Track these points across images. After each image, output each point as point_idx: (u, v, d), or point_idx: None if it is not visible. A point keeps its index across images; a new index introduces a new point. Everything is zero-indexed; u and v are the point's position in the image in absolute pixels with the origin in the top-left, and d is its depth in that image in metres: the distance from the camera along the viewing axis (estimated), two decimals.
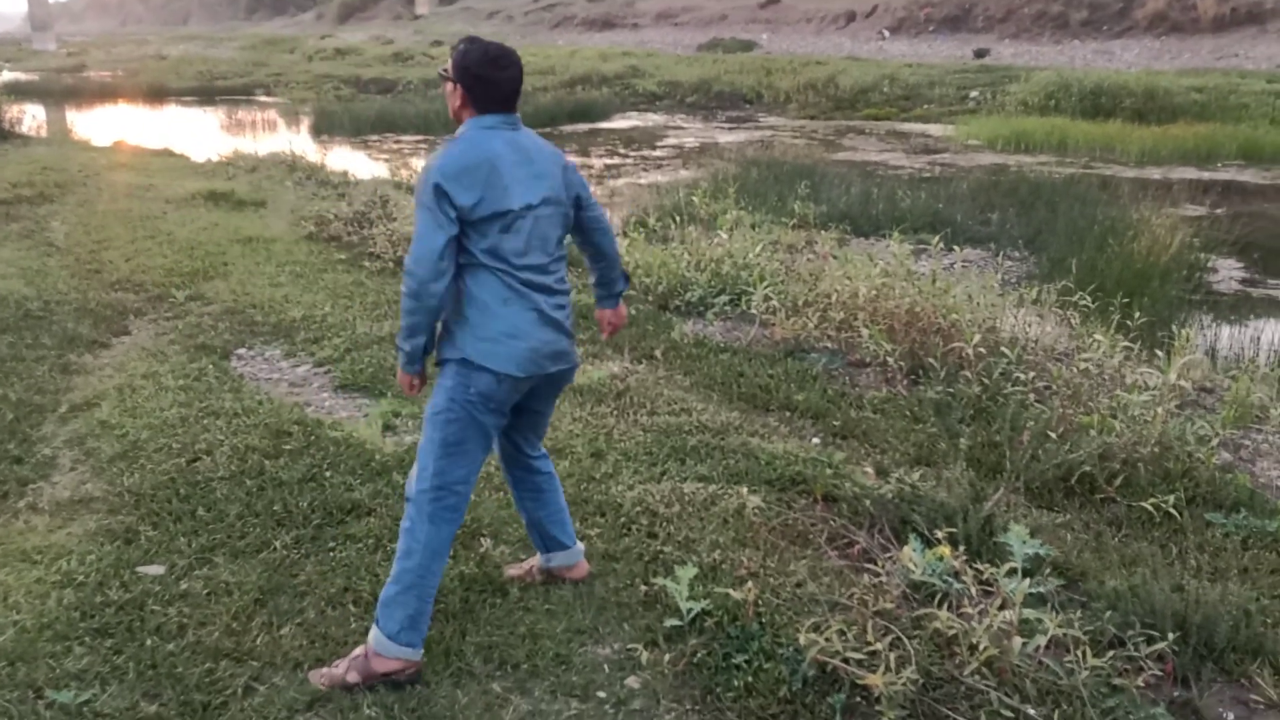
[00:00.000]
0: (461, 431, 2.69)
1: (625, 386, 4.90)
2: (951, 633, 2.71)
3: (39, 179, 10.98)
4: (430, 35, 47.75)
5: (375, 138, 19.22)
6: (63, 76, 33.86)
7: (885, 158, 16.05)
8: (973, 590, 2.82)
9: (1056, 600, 3.01)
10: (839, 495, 3.75)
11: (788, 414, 4.71)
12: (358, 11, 68.79)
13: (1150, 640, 2.74)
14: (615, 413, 4.61)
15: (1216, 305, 7.81)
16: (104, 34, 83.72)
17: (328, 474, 3.92)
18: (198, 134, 19.59)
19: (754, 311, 5.99)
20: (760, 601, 2.97)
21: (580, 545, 3.22)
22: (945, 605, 2.83)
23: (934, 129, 19.99)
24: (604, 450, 4.17)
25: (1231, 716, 2.71)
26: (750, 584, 2.94)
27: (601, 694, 2.72)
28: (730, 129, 21.06)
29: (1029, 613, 2.68)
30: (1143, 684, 2.62)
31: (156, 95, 28.89)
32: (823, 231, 8.57)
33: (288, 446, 4.17)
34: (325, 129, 19.94)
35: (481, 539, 3.46)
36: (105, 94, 29.22)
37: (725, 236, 7.19)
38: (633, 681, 2.77)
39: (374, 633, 2.71)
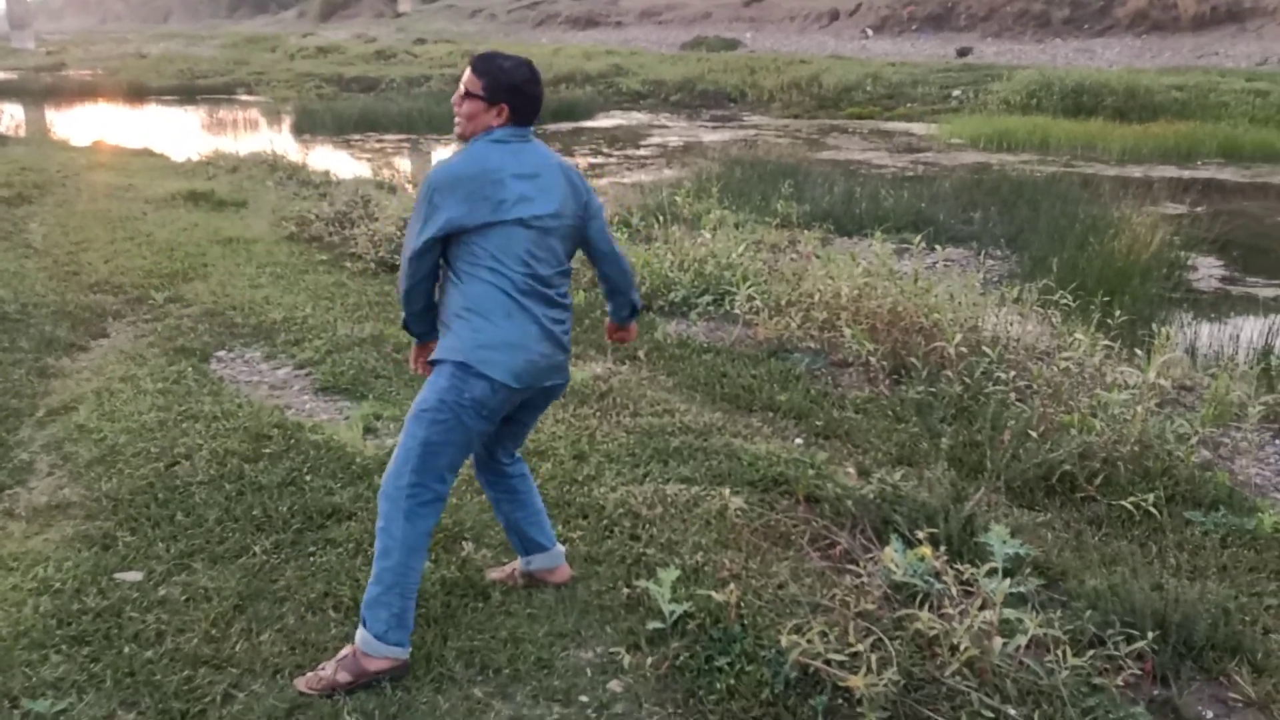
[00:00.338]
0: (446, 434, 2.67)
1: (608, 387, 4.89)
2: (933, 633, 2.71)
3: (17, 179, 10.88)
4: (413, 33, 47.58)
5: (358, 137, 19.14)
6: (41, 75, 33.54)
7: (868, 157, 16.10)
8: (954, 591, 2.82)
9: (1037, 600, 3.02)
10: (821, 496, 3.75)
11: (771, 414, 4.71)
12: (340, 9, 68.47)
13: (1130, 639, 2.75)
14: (598, 414, 4.60)
15: (1196, 303, 7.87)
16: (83, 32, 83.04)
17: (308, 478, 3.90)
18: (178, 133, 19.45)
19: (737, 311, 5.99)
20: (742, 603, 2.97)
21: (561, 547, 3.21)
22: (926, 606, 2.84)
23: (917, 128, 20.06)
24: (587, 452, 4.16)
25: (1210, 715, 2.73)
26: (732, 586, 2.93)
27: (584, 698, 2.71)
28: (714, 128, 21.07)
29: (1009, 613, 2.69)
30: (1122, 683, 2.63)
31: (136, 94, 28.65)
32: (806, 231, 8.58)
33: (268, 450, 4.15)
34: (307, 128, 19.84)
35: (463, 542, 3.45)
36: (85, 93, 28.96)
37: (709, 236, 7.19)
38: (615, 685, 2.76)
39: (361, 634, 2.69)
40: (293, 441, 4.23)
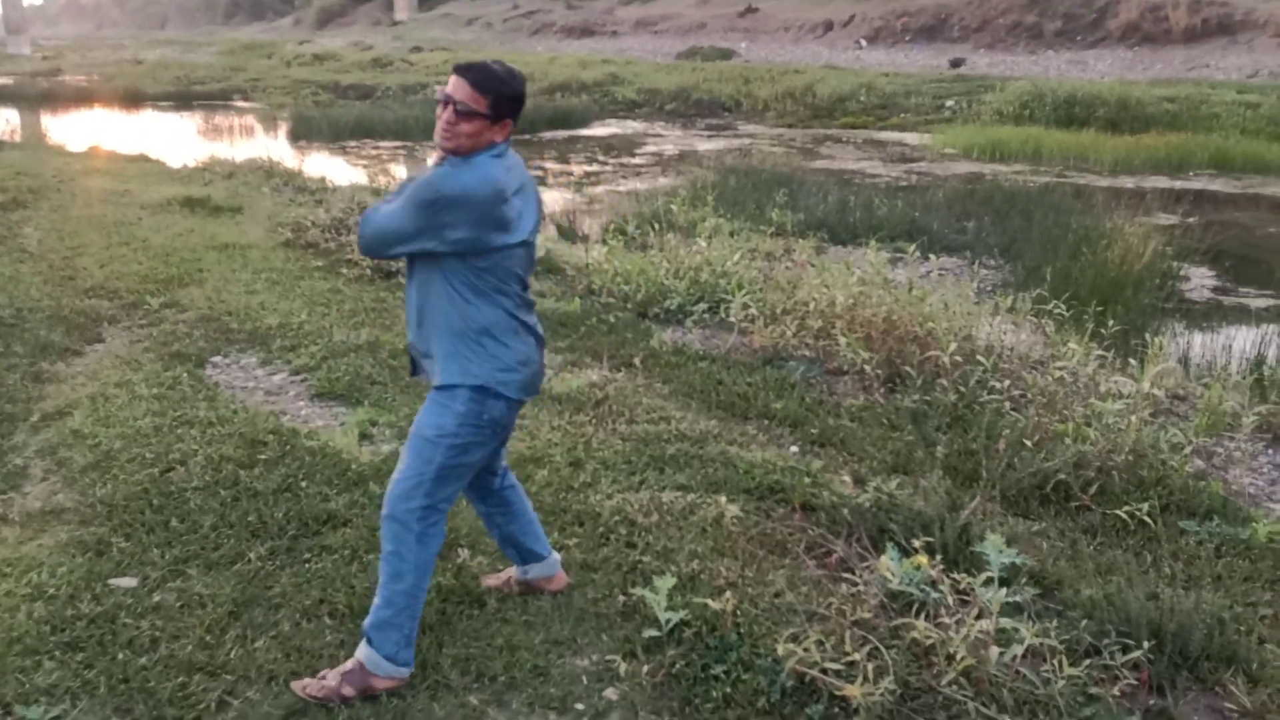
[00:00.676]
0: (463, 456, 2.68)
1: (604, 395, 4.89)
2: (929, 642, 2.72)
3: (12, 184, 10.85)
4: (409, 41, 47.62)
5: (353, 143, 19.13)
6: (37, 80, 33.42)
7: (862, 166, 16.14)
8: (950, 600, 2.83)
9: (1033, 609, 3.03)
10: (817, 504, 3.76)
11: (766, 422, 4.71)
12: (336, 17, 68.50)
13: (1126, 649, 2.76)
14: (594, 421, 4.60)
15: (1189, 313, 7.90)
16: (79, 38, 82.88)
17: (303, 484, 3.89)
18: (174, 139, 19.43)
19: (732, 319, 5.99)
20: (738, 612, 2.97)
21: (557, 555, 3.21)
22: (923, 615, 2.85)
23: (910, 138, 20.13)
24: (582, 459, 4.16)
25: None
26: (728, 594, 2.94)
27: (580, 706, 2.71)
28: (709, 137, 21.12)
29: (1006, 622, 2.70)
30: (1118, 693, 2.64)
31: (133, 100, 28.61)
32: (800, 240, 8.60)
33: (263, 456, 4.14)
34: (303, 134, 19.83)
35: (459, 549, 3.44)
36: (81, 98, 28.91)
37: (704, 244, 7.20)
38: (611, 693, 2.76)
39: (368, 652, 2.68)
40: (288, 447, 4.22)
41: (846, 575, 3.24)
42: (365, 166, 15.54)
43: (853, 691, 2.52)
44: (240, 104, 28.37)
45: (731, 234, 8.28)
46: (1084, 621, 2.97)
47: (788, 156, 16.93)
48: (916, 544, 3.12)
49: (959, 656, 2.63)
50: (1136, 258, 8.05)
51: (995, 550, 2.87)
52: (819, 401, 4.98)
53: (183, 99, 29.30)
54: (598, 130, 22.40)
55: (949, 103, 23.10)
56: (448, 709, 2.67)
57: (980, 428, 4.44)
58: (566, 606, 3.12)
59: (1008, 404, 4.70)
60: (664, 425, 4.54)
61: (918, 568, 2.99)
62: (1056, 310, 5.56)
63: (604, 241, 8.02)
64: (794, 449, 4.43)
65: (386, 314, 6.06)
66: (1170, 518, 3.82)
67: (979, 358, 4.99)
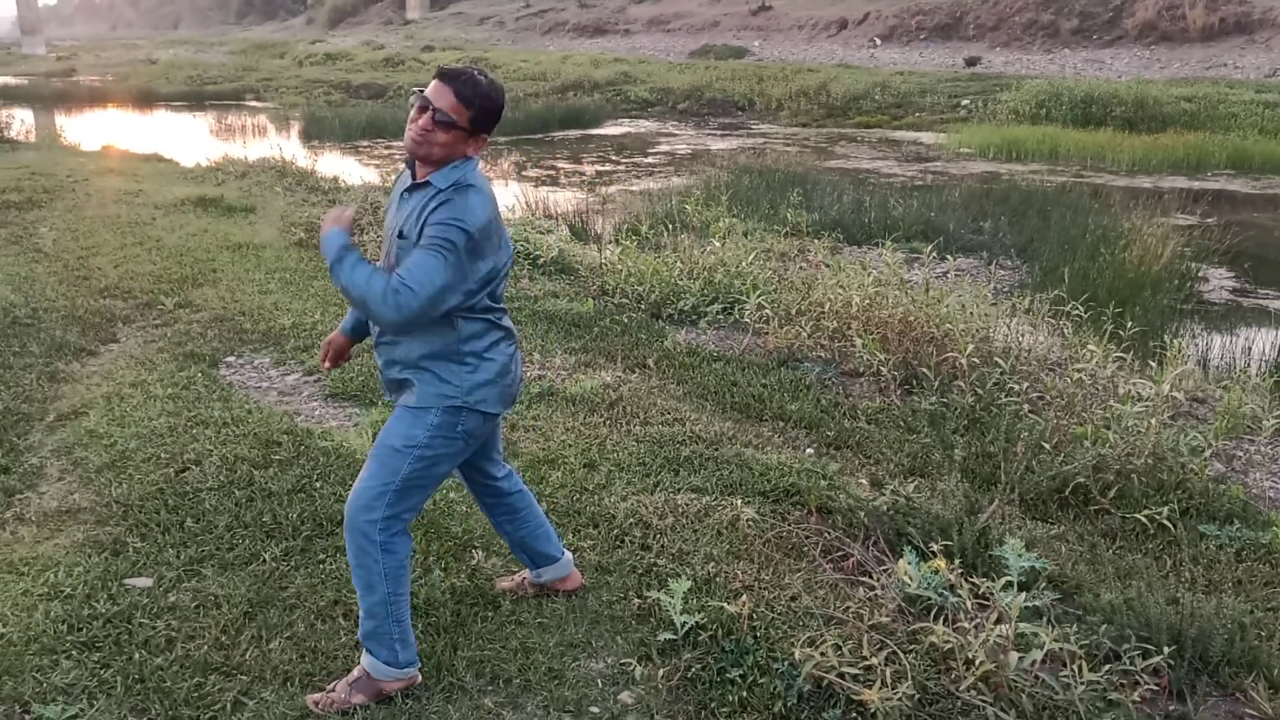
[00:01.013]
0: (432, 468, 2.63)
1: (618, 396, 4.87)
2: (947, 647, 2.69)
3: (27, 184, 10.91)
4: (421, 40, 47.75)
5: (365, 143, 19.19)
6: (52, 81, 33.70)
7: (877, 166, 16.09)
8: (968, 604, 2.80)
9: (1052, 614, 3.00)
10: (833, 507, 3.73)
11: (781, 424, 4.69)
12: (348, 16, 68.74)
13: (1146, 654, 2.73)
14: (608, 423, 4.58)
15: (1208, 315, 7.84)
16: (93, 38, 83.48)
17: (317, 484, 3.89)
18: (187, 139, 19.52)
19: (747, 320, 5.97)
20: (755, 615, 2.95)
21: (569, 555, 3.19)
22: (941, 619, 2.82)
23: (926, 137, 20.06)
24: (597, 461, 4.15)
25: None
26: (744, 597, 2.92)
27: (595, 709, 2.70)
28: (722, 136, 21.09)
29: (1025, 627, 2.67)
30: (1139, 698, 2.61)
31: (146, 100, 28.79)
32: (815, 240, 8.57)
33: (277, 456, 4.14)
34: (315, 134, 19.90)
35: (473, 551, 3.44)
36: (94, 98, 29.12)
37: (718, 244, 7.18)
38: (626, 696, 2.74)
39: (371, 661, 2.67)
40: (302, 448, 4.23)
41: (864, 579, 3.22)
42: (377, 166, 15.60)
43: (870, 696, 2.50)
44: (253, 104, 28.49)
45: (745, 234, 8.25)
46: (1104, 626, 2.94)
47: (802, 156, 16.88)
48: (934, 547, 3.10)
49: (978, 661, 2.60)
50: (1155, 258, 7.99)
51: (1014, 554, 2.84)
52: (835, 403, 4.95)
53: (196, 99, 29.47)
54: (610, 130, 22.40)
55: (964, 102, 23.02)
56: (462, 711, 2.66)
57: (998, 430, 4.40)
58: (581, 609, 3.11)
59: (1026, 406, 4.66)
60: (678, 427, 4.52)
61: (936, 572, 2.97)
62: (1074, 311, 5.52)
63: (617, 242, 8.00)
64: (810, 451, 4.40)
65: None
66: (1190, 521, 3.78)
67: (997, 359, 4.96)
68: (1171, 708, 2.76)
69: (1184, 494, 3.94)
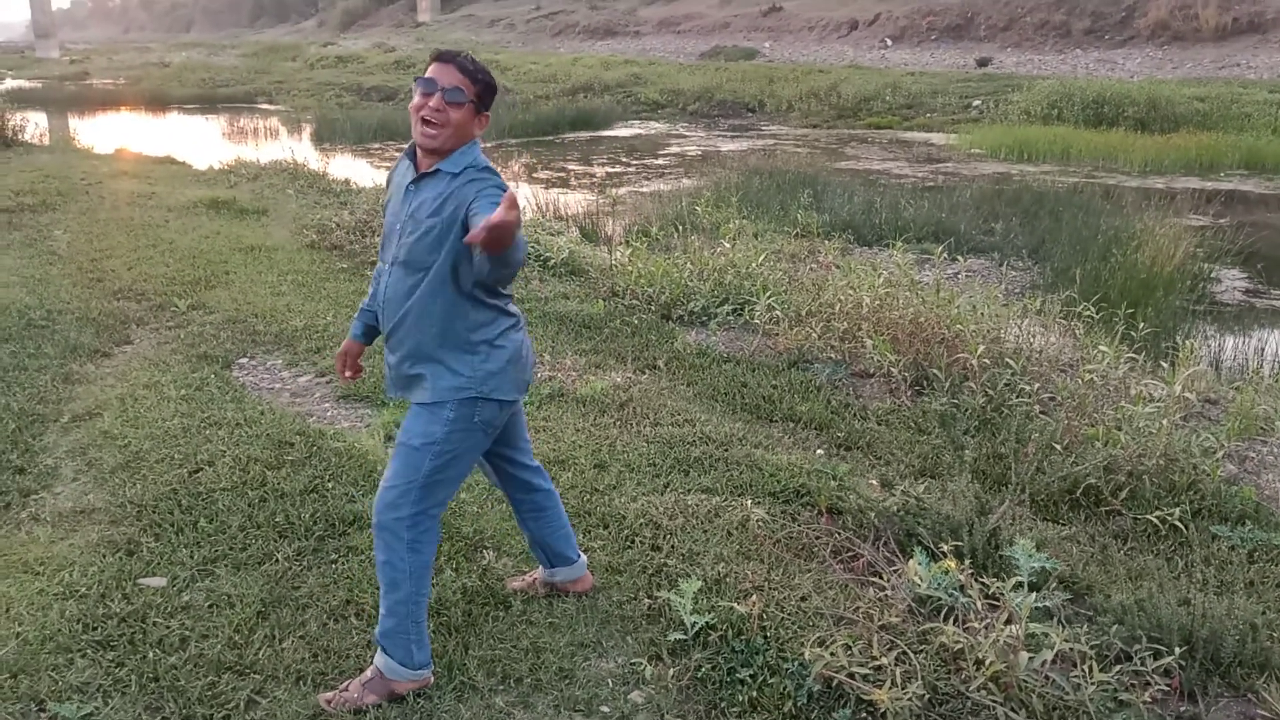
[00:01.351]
0: (455, 462, 2.65)
1: (628, 397, 4.88)
2: (958, 647, 2.69)
3: (41, 187, 11.00)
4: (431, 43, 47.84)
5: (377, 145, 19.25)
6: (65, 84, 33.93)
7: (888, 167, 16.06)
8: (979, 604, 2.80)
9: (1063, 614, 3.00)
10: (843, 508, 3.73)
11: (791, 425, 4.69)
12: (359, 19, 69.00)
13: (1157, 655, 2.72)
14: (618, 423, 4.60)
15: (1220, 316, 7.80)
16: (107, 41, 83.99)
17: (330, 485, 3.91)
18: (200, 142, 19.63)
19: (757, 321, 5.97)
20: (765, 615, 2.96)
21: (584, 558, 3.21)
22: (951, 619, 2.82)
23: (937, 138, 20.01)
24: (607, 461, 4.16)
25: None
26: (755, 597, 2.93)
27: (605, 709, 2.71)
28: (732, 137, 21.09)
29: (1035, 627, 2.67)
30: (1149, 699, 2.61)
31: (159, 103, 28.95)
32: (826, 241, 8.56)
33: (290, 457, 4.16)
34: (327, 137, 19.97)
35: (484, 551, 3.45)
36: (108, 101, 29.30)
37: (728, 246, 7.18)
38: (636, 696, 2.75)
39: (385, 661, 2.68)
40: (314, 449, 4.25)
41: (874, 579, 3.22)
42: (389, 168, 15.62)
43: (880, 696, 2.50)
44: (265, 106, 28.62)
45: (756, 235, 8.25)
46: (1114, 627, 2.93)
47: (812, 157, 16.87)
48: (945, 548, 3.09)
49: (988, 662, 2.60)
50: (1167, 259, 7.96)
51: (1025, 555, 2.84)
52: (845, 404, 4.95)
53: (208, 102, 29.62)
54: (620, 131, 22.41)
55: (976, 102, 22.95)
56: (473, 710, 2.68)
57: (1009, 431, 4.40)
58: (592, 609, 3.12)
59: (1037, 407, 4.66)
60: (688, 428, 4.53)
61: (946, 572, 2.97)
62: (1086, 313, 5.51)
63: (627, 243, 8.01)
64: (820, 452, 4.41)
65: None
66: (1202, 523, 3.77)
67: (1008, 360, 4.95)
68: (1183, 708, 2.75)
69: (1196, 495, 3.92)
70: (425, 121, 2.50)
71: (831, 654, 2.64)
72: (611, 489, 3.91)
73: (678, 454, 4.22)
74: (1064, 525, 3.77)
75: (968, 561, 3.02)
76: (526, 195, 12.06)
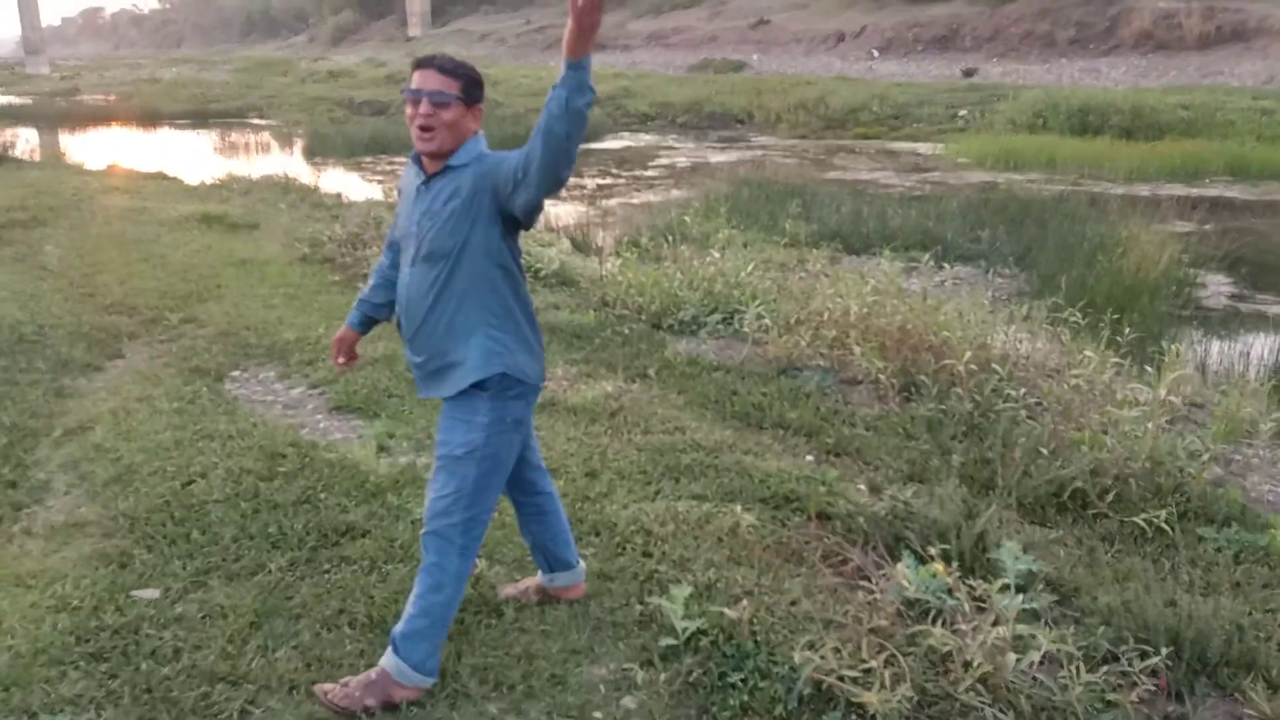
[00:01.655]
0: (498, 466, 2.70)
1: (619, 405, 4.91)
2: (946, 649, 2.72)
3: (32, 203, 10.99)
4: None
5: (369, 159, 19.28)
6: (56, 100, 33.90)
7: (876, 176, 16.16)
8: (966, 607, 2.83)
9: (1050, 616, 3.03)
10: (833, 513, 3.76)
11: (781, 432, 4.72)
12: (350, 34, 69.15)
13: (1144, 655, 2.75)
14: (609, 432, 4.62)
15: (1206, 320, 7.87)
16: (97, 57, 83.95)
17: (322, 496, 3.93)
18: (191, 157, 19.64)
19: (746, 330, 6.01)
20: (755, 620, 2.98)
21: (583, 564, 3.24)
22: (939, 622, 2.85)
23: (924, 147, 20.14)
24: (598, 470, 4.18)
25: None
26: (745, 602, 2.95)
27: (598, 714, 2.72)
28: (722, 149, 21.18)
29: (1022, 629, 2.70)
30: (1136, 699, 2.64)
31: (150, 118, 28.95)
32: (814, 250, 8.62)
33: (282, 469, 4.18)
34: (319, 151, 20.00)
35: (477, 560, 3.46)
36: (98, 117, 29.28)
37: (717, 255, 7.23)
38: (629, 701, 2.77)
39: (395, 662, 2.69)
40: (307, 460, 4.26)
41: (863, 583, 3.25)
42: (380, 182, 15.68)
43: (870, 699, 2.52)
44: (256, 121, 28.64)
45: (745, 245, 8.31)
46: (1101, 628, 2.96)
47: (801, 168, 16.96)
48: (933, 551, 3.13)
49: (976, 663, 2.63)
50: (1152, 265, 8.03)
51: (1011, 557, 2.87)
52: (834, 411, 4.99)
53: (199, 117, 29.63)
54: (611, 144, 22.50)
55: (962, 112, 23.11)
56: (467, 717, 2.69)
57: (996, 436, 4.43)
58: (584, 616, 3.14)
59: (1023, 412, 4.69)
60: (679, 435, 4.55)
61: (934, 575, 3.00)
62: (1072, 318, 5.55)
63: (618, 254, 8.05)
64: (810, 458, 4.44)
65: None
66: (1188, 525, 3.81)
67: (994, 366, 4.99)
68: (1170, 708, 2.78)
69: (1182, 498, 3.96)
70: (420, 128, 2.58)
71: (821, 657, 2.66)
72: (603, 496, 3.93)
73: (668, 461, 4.25)
74: (1051, 528, 3.81)
75: (955, 565, 3.05)
76: None
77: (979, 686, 2.65)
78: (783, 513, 3.81)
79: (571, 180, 13.92)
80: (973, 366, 4.96)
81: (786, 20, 41.92)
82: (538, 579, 3.21)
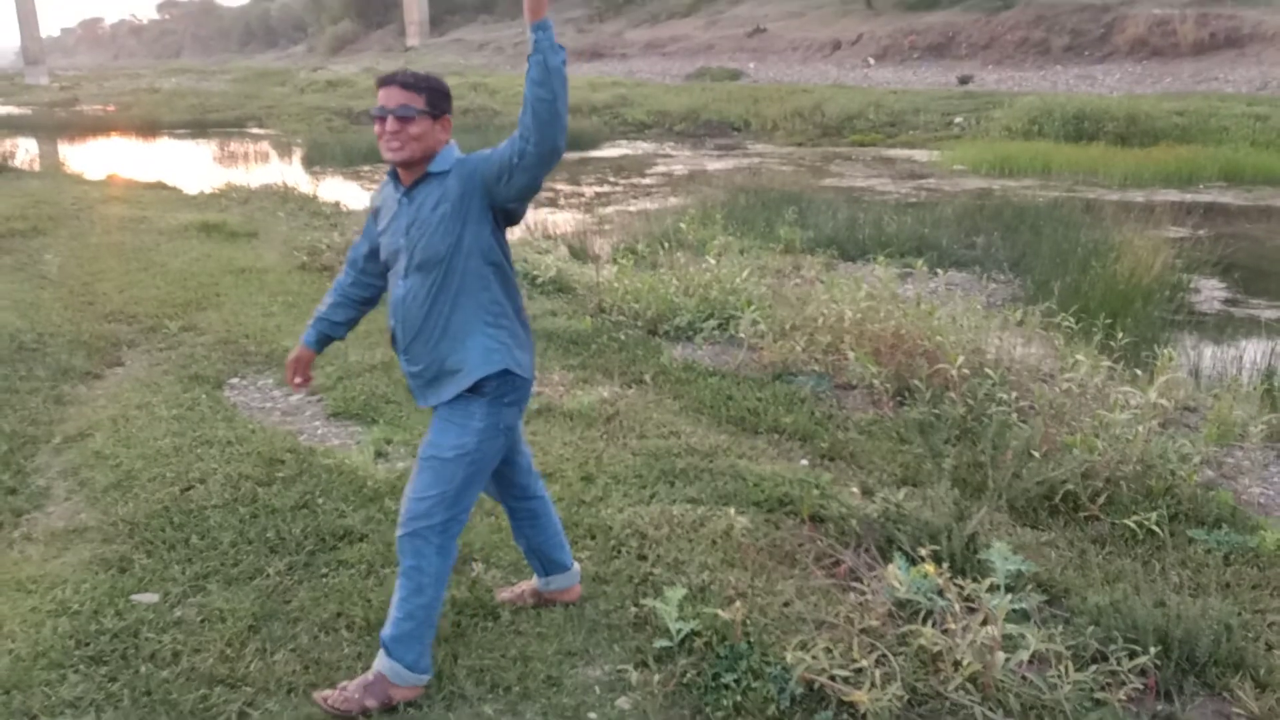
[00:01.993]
0: (484, 468, 2.74)
1: (615, 411, 4.95)
2: (936, 649, 2.75)
3: (32, 212, 11.04)
4: (421, 67, 47.89)
5: (367, 168, 19.30)
6: (55, 110, 33.99)
7: (871, 183, 16.21)
8: (956, 607, 2.86)
9: (1039, 616, 3.06)
10: (826, 515, 3.79)
11: (776, 436, 4.76)
12: (349, 44, 69.28)
13: (1133, 655, 2.78)
14: (605, 436, 4.65)
15: (1199, 325, 7.91)
16: (97, 68, 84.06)
17: (320, 501, 3.96)
18: (190, 166, 19.68)
19: (742, 336, 6.05)
20: (748, 621, 3.01)
21: (578, 566, 3.27)
22: (930, 622, 2.88)
23: (919, 154, 20.20)
24: (594, 474, 4.21)
25: None
26: (738, 604, 2.98)
27: (593, 715, 2.75)
28: (718, 156, 21.24)
29: (1011, 628, 2.73)
30: (1125, 698, 2.67)
31: (149, 128, 29.00)
32: (810, 256, 8.66)
33: (280, 474, 4.21)
34: (317, 160, 20.03)
35: (473, 564, 3.50)
36: (98, 127, 29.33)
37: (713, 262, 7.27)
38: (623, 702, 2.80)
39: (389, 664, 2.72)
40: (305, 466, 4.30)
41: (855, 584, 3.28)
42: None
43: (860, 697, 2.56)
44: (255, 130, 28.70)
45: (741, 252, 8.34)
46: (1090, 628, 2.99)
47: (797, 175, 17.02)
48: (923, 553, 3.16)
49: (965, 662, 2.66)
50: (1146, 270, 8.07)
51: (1000, 557, 2.90)
52: (828, 415, 5.02)
53: (198, 126, 29.68)
54: (608, 151, 22.55)
55: (957, 119, 23.18)
56: (463, 718, 2.72)
57: (988, 439, 4.47)
58: (579, 618, 3.17)
59: (1015, 415, 4.73)
60: (674, 440, 4.59)
61: (925, 576, 3.03)
62: (1065, 323, 5.59)
63: (614, 261, 8.10)
64: (804, 462, 4.47)
65: None
66: (1179, 527, 3.84)
67: (987, 370, 5.03)
68: (1159, 707, 2.81)
69: (1173, 500, 4.00)
70: (389, 145, 2.63)
71: (813, 657, 2.69)
72: (598, 500, 3.97)
73: (663, 465, 4.28)
74: (1043, 531, 3.84)
75: (946, 566, 3.08)
76: None
77: (968, 685, 2.69)
78: (776, 516, 3.84)
79: (569, 188, 14.01)
80: (966, 371, 5.00)
81: (783, 29, 42.06)
82: (533, 583, 3.24)
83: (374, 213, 2.88)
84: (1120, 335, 5.55)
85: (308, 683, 2.85)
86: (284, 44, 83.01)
